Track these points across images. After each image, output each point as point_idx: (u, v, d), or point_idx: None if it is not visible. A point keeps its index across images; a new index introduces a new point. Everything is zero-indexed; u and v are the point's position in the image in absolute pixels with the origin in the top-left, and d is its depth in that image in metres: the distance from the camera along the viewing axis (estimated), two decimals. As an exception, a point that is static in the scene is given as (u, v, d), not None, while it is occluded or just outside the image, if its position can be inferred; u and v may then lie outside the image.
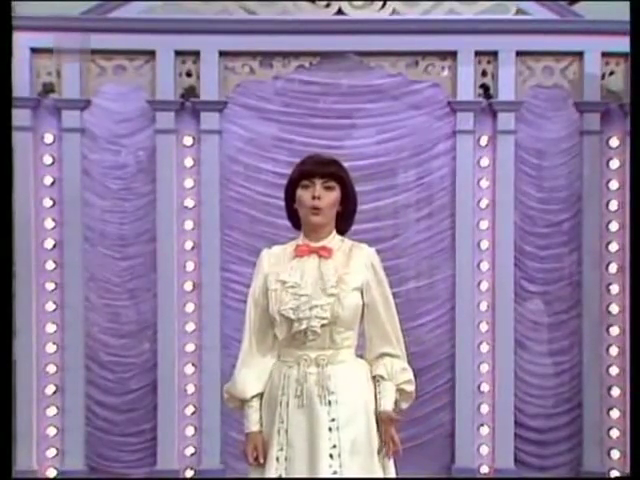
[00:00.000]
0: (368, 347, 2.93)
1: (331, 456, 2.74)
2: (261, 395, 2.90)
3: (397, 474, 2.92)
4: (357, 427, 2.79)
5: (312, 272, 2.85)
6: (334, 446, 2.75)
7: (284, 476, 2.77)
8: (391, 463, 2.89)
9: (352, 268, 2.85)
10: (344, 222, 2.97)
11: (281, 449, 2.79)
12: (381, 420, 2.82)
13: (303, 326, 2.79)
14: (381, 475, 2.82)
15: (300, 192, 2.88)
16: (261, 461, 2.84)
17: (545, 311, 5.04)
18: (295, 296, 2.81)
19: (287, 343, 2.86)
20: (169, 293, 4.97)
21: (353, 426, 2.78)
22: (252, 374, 2.89)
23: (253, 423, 2.89)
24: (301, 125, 5.00)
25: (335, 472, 2.73)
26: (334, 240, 2.93)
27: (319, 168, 2.88)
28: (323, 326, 2.79)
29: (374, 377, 2.89)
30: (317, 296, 2.80)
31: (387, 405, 2.84)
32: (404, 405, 2.95)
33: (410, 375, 2.91)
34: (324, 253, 2.87)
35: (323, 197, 2.85)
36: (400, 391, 2.89)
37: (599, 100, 4.98)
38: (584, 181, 5.00)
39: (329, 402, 2.78)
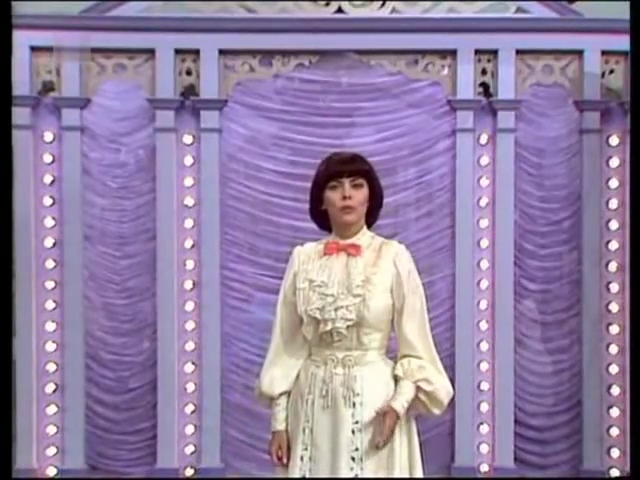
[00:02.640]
0: (399, 347, 2.87)
1: (353, 459, 2.71)
2: (289, 393, 2.87)
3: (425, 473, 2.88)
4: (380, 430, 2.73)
5: (339, 271, 2.81)
6: (356, 449, 2.72)
7: (308, 475, 2.75)
8: (419, 464, 2.84)
9: (381, 267, 2.81)
10: (371, 216, 2.94)
11: (306, 448, 2.77)
12: (385, 413, 2.71)
13: (329, 327, 2.75)
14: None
15: (329, 193, 2.83)
16: (284, 461, 2.82)
17: (539, 309, 5.03)
18: (321, 296, 2.78)
19: (316, 342, 2.83)
20: (169, 292, 4.97)
21: (377, 429, 2.72)
22: (279, 372, 2.87)
23: (279, 422, 2.86)
24: (301, 123, 5.00)
25: (356, 475, 2.70)
26: (364, 237, 2.89)
27: (346, 167, 2.83)
28: (349, 327, 2.75)
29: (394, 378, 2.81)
30: (343, 296, 2.76)
31: (395, 401, 2.73)
32: (436, 410, 2.82)
33: (428, 373, 2.79)
34: (353, 251, 2.83)
35: (354, 196, 2.81)
36: (419, 389, 2.78)
37: (599, 98, 4.98)
38: (584, 179, 5.00)
39: (354, 404, 2.74)
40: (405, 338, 2.84)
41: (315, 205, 2.92)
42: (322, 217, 2.93)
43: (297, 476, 2.76)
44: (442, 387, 2.82)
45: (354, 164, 2.85)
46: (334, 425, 2.74)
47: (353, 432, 2.73)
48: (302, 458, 2.76)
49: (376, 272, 2.80)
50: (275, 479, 2.89)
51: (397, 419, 2.73)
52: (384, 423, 2.70)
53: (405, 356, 2.84)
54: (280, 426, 2.86)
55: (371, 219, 2.96)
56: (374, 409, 2.74)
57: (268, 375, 2.88)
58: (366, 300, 2.76)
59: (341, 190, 2.81)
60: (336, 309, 2.75)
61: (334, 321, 2.75)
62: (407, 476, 2.79)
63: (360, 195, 2.83)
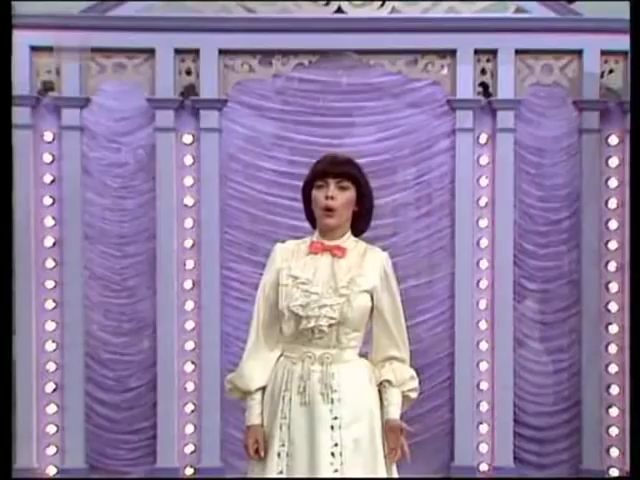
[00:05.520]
0: (375, 348, 2.94)
1: (332, 454, 2.74)
2: (264, 389, 2.90)
3: (399, 473, 2.92)
4: (360, 427, 2.79)
5: (324, 270, 2.84)
6: (336, 444, 2.75)
7: (285, 471, 2.77)
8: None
9: (365, 270, 2.85)
10: (361, 221, 2.96)
11: (283, 445, 2.79)
12: (389, 429, 2.82)
13: (311, 324, 2.79)
14: (383, 475, 2.81)
15: (315, 192, 2.87)
16: (261, 454, 2.84)
17: (539, 310, 5.04)
18: (305, 293, 2.81)
19: (293, 339, 2.85)
20: (169, 291, 4.97)
21: (356, 425, 2.78)
22: (258, 367, 2.89)
23: (255, 416, 2.89)
24: (300, 123, 5.01)
25: (336, 470, 2.73)
26: (348, 241, 2.92)
27: (332, 168, 2.86)
28: (331, 326, 2.79)
29: (381, 382, 2.88)
30: (328, 295, 2.80)
31: (395, 413, 2.84)
32: (404, 408, 2.93)
33: (416, 383, 2.92)
34: (337, 252, 2.86)
35: (337, 197, 2.83)
36: (405, 397, 2.89)
37: (598, 98, 4.99)
38: (583, 179, 5.00)
39: (332, 400, 2.78)
40: (391, 339, 2.90)
41: (306, 204, 2.96)
42: (314, 217, 2.95)
43: (275, 473, 2.78)
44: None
45: (341, 166, 2.88)
46: (312, 421, 2.77)
47: (332, 428, 2.77)
48: (279, 454, 2.79)
49: (361, 274, 2.84)
50: (275, 479, 2.89)
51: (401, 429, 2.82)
52: (396, 438, 2.79)
53: (390, 358, 2.91)
54: (257, 420, 2.89)
55: (362, 225, 2.98)
56: (353, 406, 2.79)
57: (247, 369, 2.90)
58: (350, 301, 2.80)
59: (325, 190, 2.84)
60: (320, 307, 2.79)
61: (317, 319, 2.78)
62: (386, 469, 2.83)
63: (344, 197, 2.85)
